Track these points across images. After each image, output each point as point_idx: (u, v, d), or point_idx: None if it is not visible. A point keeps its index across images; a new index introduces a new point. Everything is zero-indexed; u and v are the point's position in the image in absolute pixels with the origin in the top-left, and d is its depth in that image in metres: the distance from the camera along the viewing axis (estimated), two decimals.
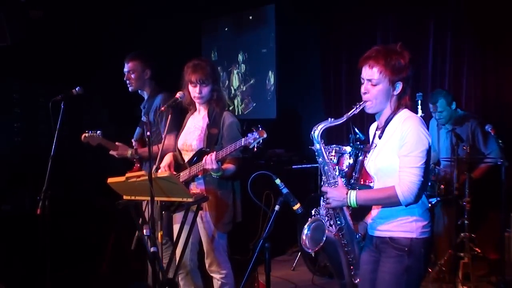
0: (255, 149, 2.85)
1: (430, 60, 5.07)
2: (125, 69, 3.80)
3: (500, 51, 4.64)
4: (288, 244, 5.22)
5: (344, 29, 5.84)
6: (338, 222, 2.39)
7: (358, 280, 2.43)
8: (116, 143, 3.70)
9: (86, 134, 3.61)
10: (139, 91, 3.87)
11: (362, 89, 2.29)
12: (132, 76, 3.77)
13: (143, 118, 3.77)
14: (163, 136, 3.54)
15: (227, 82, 7.17)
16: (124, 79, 3.80)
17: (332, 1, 5.85)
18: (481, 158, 4.22)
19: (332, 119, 2.33)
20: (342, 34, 5.87)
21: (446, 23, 4.97)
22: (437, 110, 4.22)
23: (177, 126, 3.48)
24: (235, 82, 7.15)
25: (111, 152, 3.73)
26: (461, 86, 4.88)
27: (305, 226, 2.48)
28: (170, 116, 3.22)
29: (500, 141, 3.82)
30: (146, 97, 3.87)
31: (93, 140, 3.61)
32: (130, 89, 3.83)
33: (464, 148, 4.00)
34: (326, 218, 2.42)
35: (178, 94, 3.22)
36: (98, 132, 3.61)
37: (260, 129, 2.83)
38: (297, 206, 2.44)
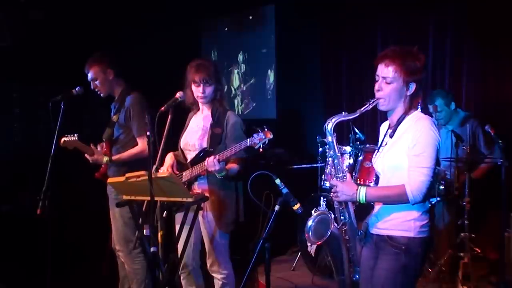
0: (261, 150, 2.84)
1: (430, 60, 5.08)
2: (89, 78, 3.66)
3: (500, 51, 4.64)
4: (288, 244, 5.22)
5: (344, 29, 5.84)
6: (342, 218, 2.42)
7: (357, 276, 2.46)
8: (91, 146, 3.59)
9: (66, 139, 3.46)
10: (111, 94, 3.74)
11: (376, 86, 2.33)
12: (97, 83, 3.64)
13: (113, 118, 3.67)
14: (136, 138, 3.57)
15: (227, 82, 7.17)
16: (91, 88, 3.67)
17: (332, 1, 5.85)
18: (481, 158, 4.22)
19: (346, 113, 2.37)
20: (342, 34, 5.87)
21: (446, 23, 4.98)
22: (437, 110, 4.23)
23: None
24: (235, 82, 7.15)
25: (86, 156, 3.62)
26: (461, 86, 4.88)
27: (310, 218, 2.49)
28: (170, 116, 3.21)
29: (500, 141, 3.82)
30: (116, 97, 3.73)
31: (70, 144, 3.49)
32: (101, 95, 3.70)
33: (464, 148, 4.01)
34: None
35: (178, 94, 3.19)
36: (75, 134, 3.49)
37: (266, 129, 2.81)
38: (297, 206, 2.45)
